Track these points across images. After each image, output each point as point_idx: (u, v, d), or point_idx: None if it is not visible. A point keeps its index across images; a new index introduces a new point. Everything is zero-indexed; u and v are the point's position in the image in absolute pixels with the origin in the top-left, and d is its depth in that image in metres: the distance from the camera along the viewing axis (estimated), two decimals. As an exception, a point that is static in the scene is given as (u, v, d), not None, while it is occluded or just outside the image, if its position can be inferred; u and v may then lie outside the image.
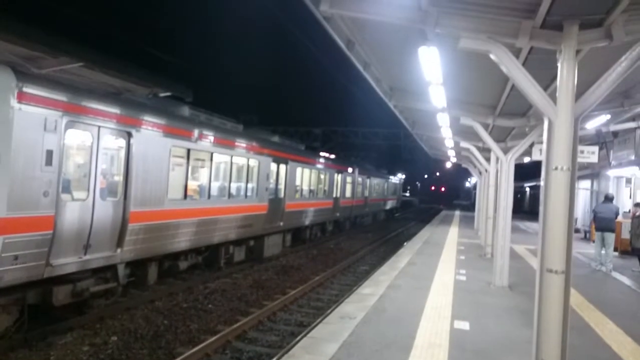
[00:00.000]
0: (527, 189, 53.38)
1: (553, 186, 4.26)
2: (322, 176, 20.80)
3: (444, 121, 11.71)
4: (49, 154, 6.88)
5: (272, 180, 15.17)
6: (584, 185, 22.87)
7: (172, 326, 8.41)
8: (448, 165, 42.04)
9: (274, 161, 15.12)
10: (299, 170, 17.69)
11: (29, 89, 6.53)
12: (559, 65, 4.27)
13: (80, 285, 7.79)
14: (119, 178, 8.62)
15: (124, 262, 8.69)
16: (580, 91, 4.28)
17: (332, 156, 24.97)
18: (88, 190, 7.77)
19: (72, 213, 7.43)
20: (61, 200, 7.18)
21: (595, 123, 10.18)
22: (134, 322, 8.42)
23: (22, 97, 6.41)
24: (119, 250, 8.40)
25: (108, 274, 8.51)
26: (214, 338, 7.62)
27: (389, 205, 40.01)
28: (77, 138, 7.82)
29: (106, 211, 8.12)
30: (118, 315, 8.64)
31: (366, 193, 29.75)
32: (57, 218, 7.07)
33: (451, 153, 22.00)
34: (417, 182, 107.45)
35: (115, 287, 8.67)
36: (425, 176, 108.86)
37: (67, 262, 7.34)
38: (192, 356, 6.94)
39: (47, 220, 6.91)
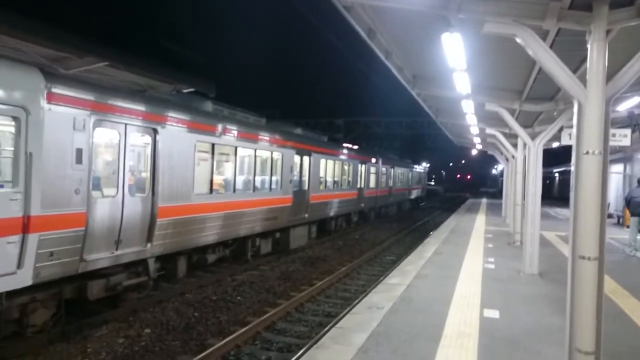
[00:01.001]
0: (557, 175, 52.22)
1: (584, 171, 4.16)
2: (345, 167, 20.76)
3: (468, 108, 11.50)
4: (79, 152, 7.04)
5: (296, 172, 15.22)
6: (616, 169, 22.23)
7: (202, 318, 8.57)
8: (474, 152, 41.41)
9: (297, 153, 15.15)
10: (322, 161, 17.69)
11: (58, 90, 6.68)
12: (588, 46, 4.14)
13: (113, 280, 8.00)
14: (146, 174, 8.79)
15: (154, 257, 8.87)
16: (611, 73, 4.14)
17: (355, 147, 24.88)
18: (117, 186, 7.94)
19: (103, 209, 7.61)
20: (92, 197, 7.36)
21: (627, 105, 9.83)
22: (166, 315, 8.62)
23: (51, 98, 6.57)
24: (149, 244, 8.58)
25: (139, 268, 8.71)
26: (243, 329, 7.74)
27: (414, 194, 39.70)
28: (105, 136, 8.00)
29: (135, 207, 8.29)
30: (150, 308, 8.85)
31: (390, 183, 29.57)
32: (89, 215, 7.25)
33: (476, 140, 21.62)
34: (442, 171, 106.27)
35: (147, 280, 8.87)
36: (451, 164, 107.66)
37: (99, 257, 7.53)
38: (223, 347, 7.07)
39: (80, 217, 7.10)
